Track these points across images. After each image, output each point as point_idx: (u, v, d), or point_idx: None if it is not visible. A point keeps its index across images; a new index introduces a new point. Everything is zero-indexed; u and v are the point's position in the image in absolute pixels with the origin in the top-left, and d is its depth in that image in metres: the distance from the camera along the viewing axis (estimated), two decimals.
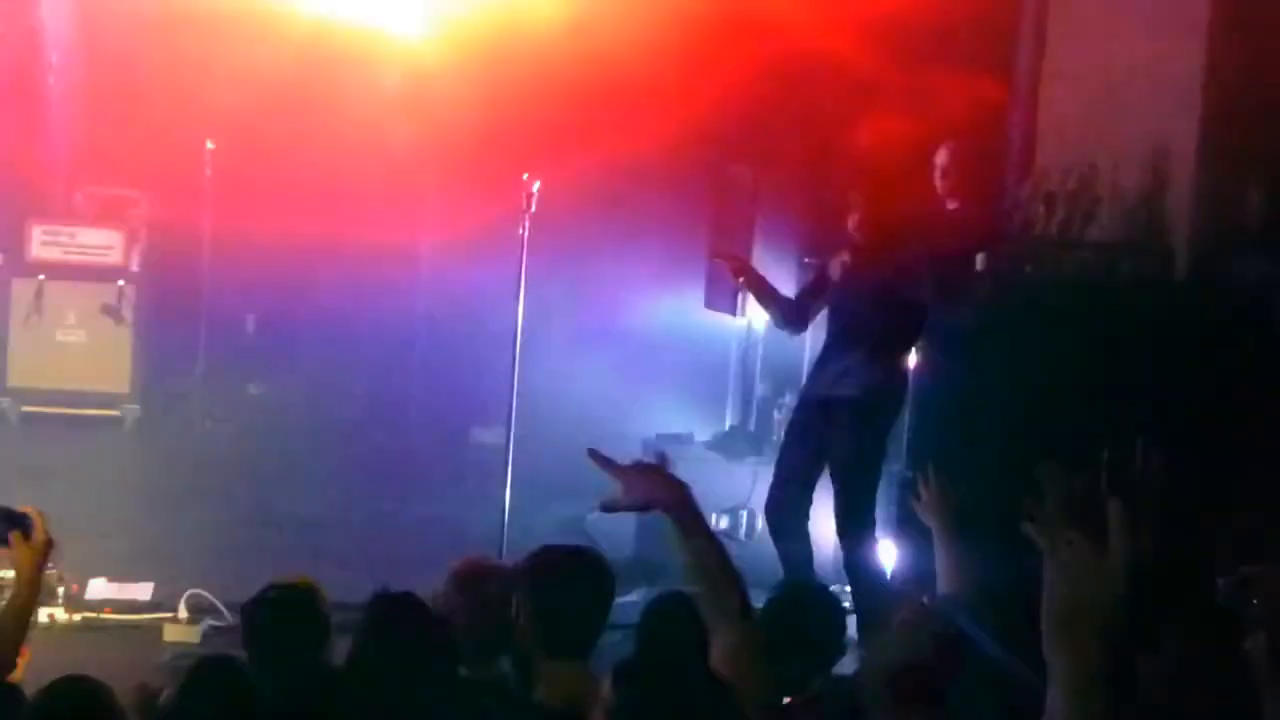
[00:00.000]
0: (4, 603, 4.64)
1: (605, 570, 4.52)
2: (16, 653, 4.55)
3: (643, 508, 3.81)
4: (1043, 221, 8.47)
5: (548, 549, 4.57)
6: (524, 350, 8.00)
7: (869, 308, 7.51)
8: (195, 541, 8.24)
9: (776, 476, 7.68)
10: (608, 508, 3.83)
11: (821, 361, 7.72)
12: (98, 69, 11.44)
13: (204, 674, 4.22)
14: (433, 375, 11.23)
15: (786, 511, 7.56)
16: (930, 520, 5.22)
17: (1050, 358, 7.40)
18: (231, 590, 6.71)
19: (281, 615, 4.62)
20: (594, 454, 3.74)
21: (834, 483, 7.56)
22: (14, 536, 4.47)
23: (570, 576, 4.41)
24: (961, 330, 7.71)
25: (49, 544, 4.52)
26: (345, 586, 5.24)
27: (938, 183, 8.34)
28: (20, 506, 4.54)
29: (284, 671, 4.44)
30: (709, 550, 3.72)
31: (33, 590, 4.55)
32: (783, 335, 8.40)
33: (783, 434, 8.23)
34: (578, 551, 4.65)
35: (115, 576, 7.52)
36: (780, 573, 7.26)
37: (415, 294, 11.41)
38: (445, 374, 11.04)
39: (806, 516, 7.58)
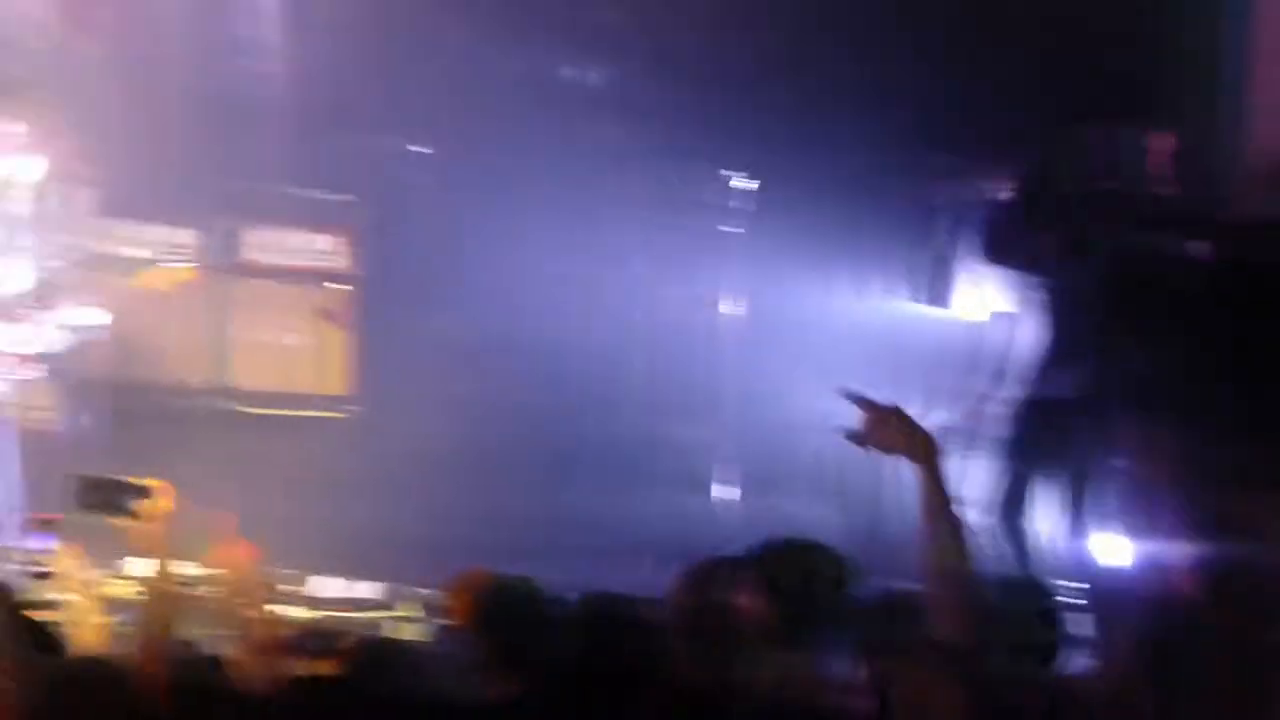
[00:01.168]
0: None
1: (841, 561, 4.45)
2: (169, 626, 4.61)
3: (886, 449, 3.75)
4: None
5: (779, 541, 4.51)
6: (734, 347, 7.98)
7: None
8: (419, 540, 8.32)
9: (1006, 473, 7.57)
10: (853, 439, 3.77)
11: (1054, 361, 7.57)
12: (313, 73, 11.68)
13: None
14: (644, 372, 11.24)
15: (1015, 508, 7.46)
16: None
17: None
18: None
19: (504, 614, 4.60)
20: (848, 392, 3.72)
21: (1069, 481, 7.43)
22: (140, 507, 4.55)
23: (806, 568, 4.35)
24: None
25: (170, 515, 4.60)
26: (563, 585, 5.23)
27: None
28: (139, 480, 4.62)
29: (508, 669, 4.42)
30: (947, 512, 3.64)
31: (167, 563, 4.61)
32: (1000, 329, 8.25)
33: (1010, 430, 8.05)
34: (810, 544, 4.58)
35: (344, 575, 7.62)
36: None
37: (627, 291, 11.42)
38: (657, 371, 11.04)
39: (1032, 514, 7.47)
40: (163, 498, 4.59)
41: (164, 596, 4.63)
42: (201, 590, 7.37)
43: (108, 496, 4.61)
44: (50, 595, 4.82)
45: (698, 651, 4.42)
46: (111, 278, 7.92)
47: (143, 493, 4.59)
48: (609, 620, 4.33)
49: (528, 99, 11.07)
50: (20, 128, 7.40)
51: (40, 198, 7.58)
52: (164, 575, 4.62)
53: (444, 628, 6.96)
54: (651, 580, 4.93)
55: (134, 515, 4.58)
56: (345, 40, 11.52)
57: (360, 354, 10.90)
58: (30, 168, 7.53)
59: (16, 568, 5.07)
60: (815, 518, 8.79)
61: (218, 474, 8.64)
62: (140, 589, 4.67)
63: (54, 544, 5.10)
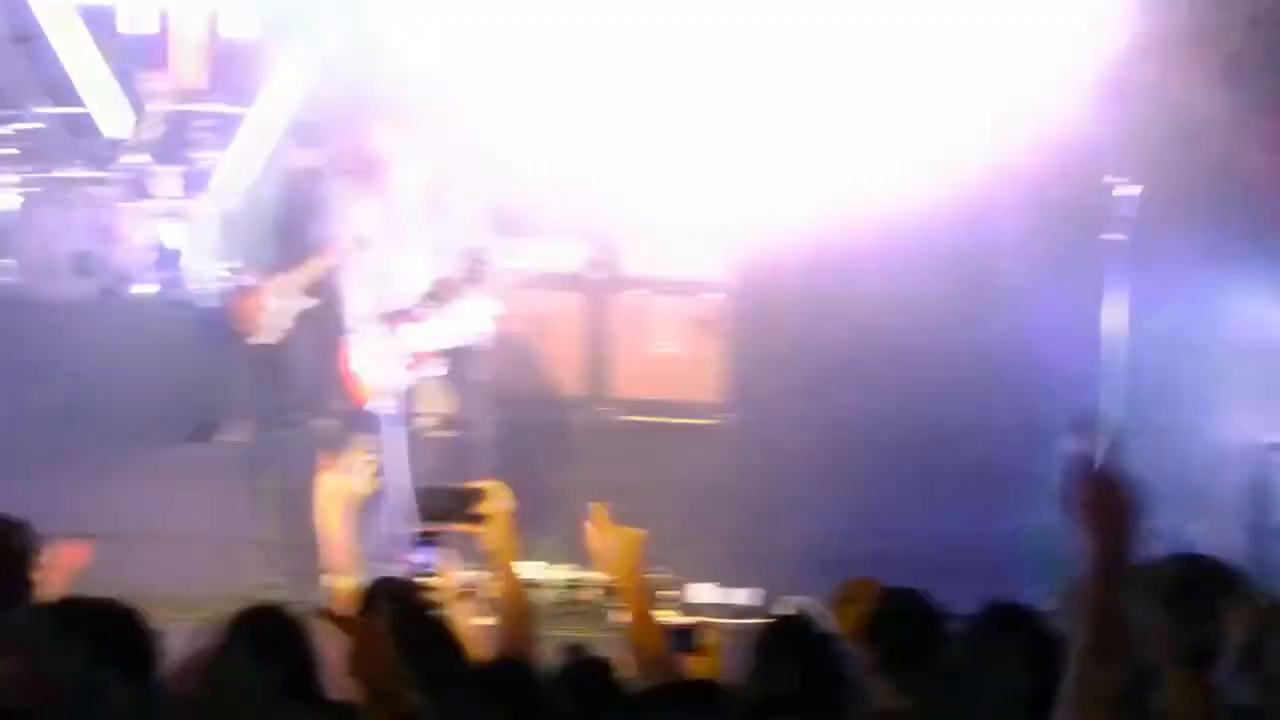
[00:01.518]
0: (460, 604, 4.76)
1: (1236, 577, 4.31)
2: (530, 631, 4.67)
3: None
4: None
5: (1178, 558, 4.39)
6: (1116, 356, 7.79)
7: None
8: (795, 548, 8.36)
9: None
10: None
11: None
12: None
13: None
14: (1020, 384, 11.04)
15: None
16: None
17: None
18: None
19: (896, 624, 4.57)
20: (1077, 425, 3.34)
21: None
22: (480, 510, 4.61)
23: (1199, 583, 4.23)
24: None
25: (511, 513, 4.65)
26: (947, 598, 5.17)
27: None
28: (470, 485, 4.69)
29: (896, 679, 4.40)
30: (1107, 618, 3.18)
31: (513, 563, 4.66)
32: None
33: None
34: (1201, 559, 4.45)
35: (724, 582, 7.70)
36: None
37: (1002, 301, 11.26)
38: (1033, 382, 10.83)
39: None
40: (501, 499, 4.67)
41: (517, 597, 4.70)
42: (587, 593, 7.61)
43: (448, 505, 4.73)
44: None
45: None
46: (499, 287, 8.14)
47: (480, 497, 4.68)
48: (1007, 631, 4.25)
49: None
50: (412, 136, 7.69)
51: (433, 203, 7.87)
52: (512, 576, 4.69)
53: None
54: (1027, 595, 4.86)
55: (476, 520, 4.67)
56: None
57: (735, 362, 11.00)
58: (421, 173, 7.83)
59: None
60: (1203, 531, 8.51)
61: (599, 481, 8.90)
62: (492, 592, 4.74)
63: (437, 558, 5.25)
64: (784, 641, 4.33)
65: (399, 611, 4.28)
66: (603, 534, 4.70)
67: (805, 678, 4.18)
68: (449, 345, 7.91)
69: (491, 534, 4.63)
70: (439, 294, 7.86)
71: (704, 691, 3.65)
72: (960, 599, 4.65)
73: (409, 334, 7.76)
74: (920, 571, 7.04)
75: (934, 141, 10.87)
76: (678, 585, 7.54)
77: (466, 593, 4.92)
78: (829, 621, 4.74)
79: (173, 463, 9.86)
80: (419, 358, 7.80)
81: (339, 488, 5.34)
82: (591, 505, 4.75)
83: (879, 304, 11.02)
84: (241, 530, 8.33)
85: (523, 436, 9.20)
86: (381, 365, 7.84)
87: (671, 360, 11.04)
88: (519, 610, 4.62)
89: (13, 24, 12.67)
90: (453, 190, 7.88)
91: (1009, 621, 4.38)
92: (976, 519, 9.20)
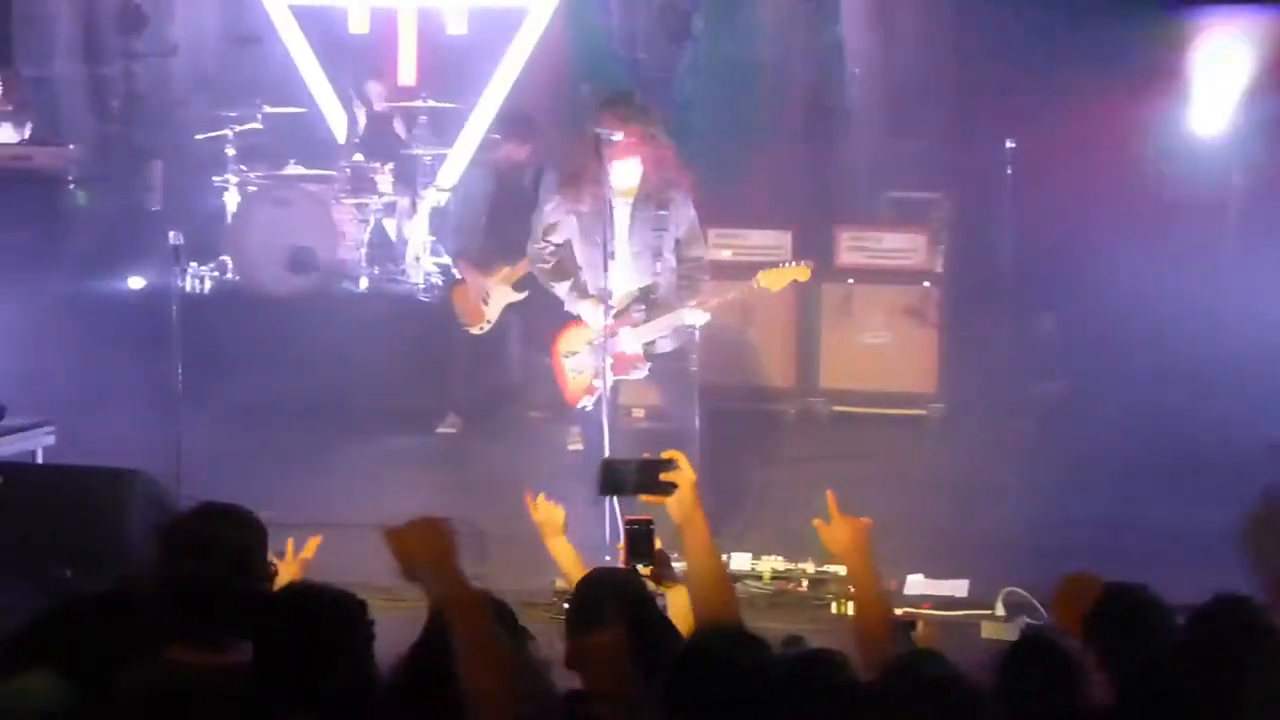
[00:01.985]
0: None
1: None
2: (733, 605, 4.65)
3: None
4: None
5: None
6: None
7: None
8: (1006, 538, 8.28)
9: None
10: None
11: None
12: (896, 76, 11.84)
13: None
14: (1237, 373, 10.81)
15: None
16: None
17: None
18: (1045, 589, 6.67)
19: (1120, 620, 4.48)
20: None
21: None
22: (669, 479, 4.59)
23: None
24: None
25: (694, 482, 4.62)
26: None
27: None
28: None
29: (1115, 674, 4.33)
30: None
31: (701, 532, 4.65)
32: None
33: None
34: None
35: (932, 573, 7.66)
36: None
37: (1211, 294, 11.05)
38: (1250, 371, 10.60)
39: None
40: (684, 469, 4.65)
41: (711, 568, 4.67)
42: (795, 584, 7.62)
43: (634, 476, 4.70)
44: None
45: None
46: (712, 281, 8.15)
47: (667, 466, 4.66)
48: (1236, 626, 4.16)
49: (1106, 93, 10.87)
50: (625, 134, 7.73)
51: (644, 202, 7.90)
52: (708, 550, 4.66)
53: (1035, 627, 6.94)
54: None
55: (664, 489, 4.64)
56: (928, 41, 11.65)
57: (944, 351, 10.93)
58: (632, 173, 7.86)
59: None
60: None
61: (811, 473, 8.91)
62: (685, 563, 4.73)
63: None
64: (1031, 662, 4.28)
65: (630, 614, 4.30)
66: (834, 523, 4.70)
67: (1050, 703, 4.14)
68: (657, 349, 7.94)
69: (676, 504, 4.61)
70: (652, 299, 7.89)
71: (961, 696, 3.60)
72: (1171, 591, 4.58)
73: (620, 336, 7.81)
74: (1129, 562, 6.96)
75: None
76: (896, 576, 7.49)
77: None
78: (1061, 631, 4.68)
79: (394, 452, 10.08)
80: (626, 359, 7.84)
81: (551, 516, 5.44)
82: (827, 493, 4.75)
83: (1089, 288, 10.88)
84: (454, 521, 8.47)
85: (730, 428, 9.23)
86: (590, 364, 7.91)
87: (881, 350, 10.99)
88: (715, 579, 4.62)
89: (237, 25, 13.06)
90: (667, 191, 7.89)
91: (1237, 615, 4.29)
92: (1177, 509, 9.01)
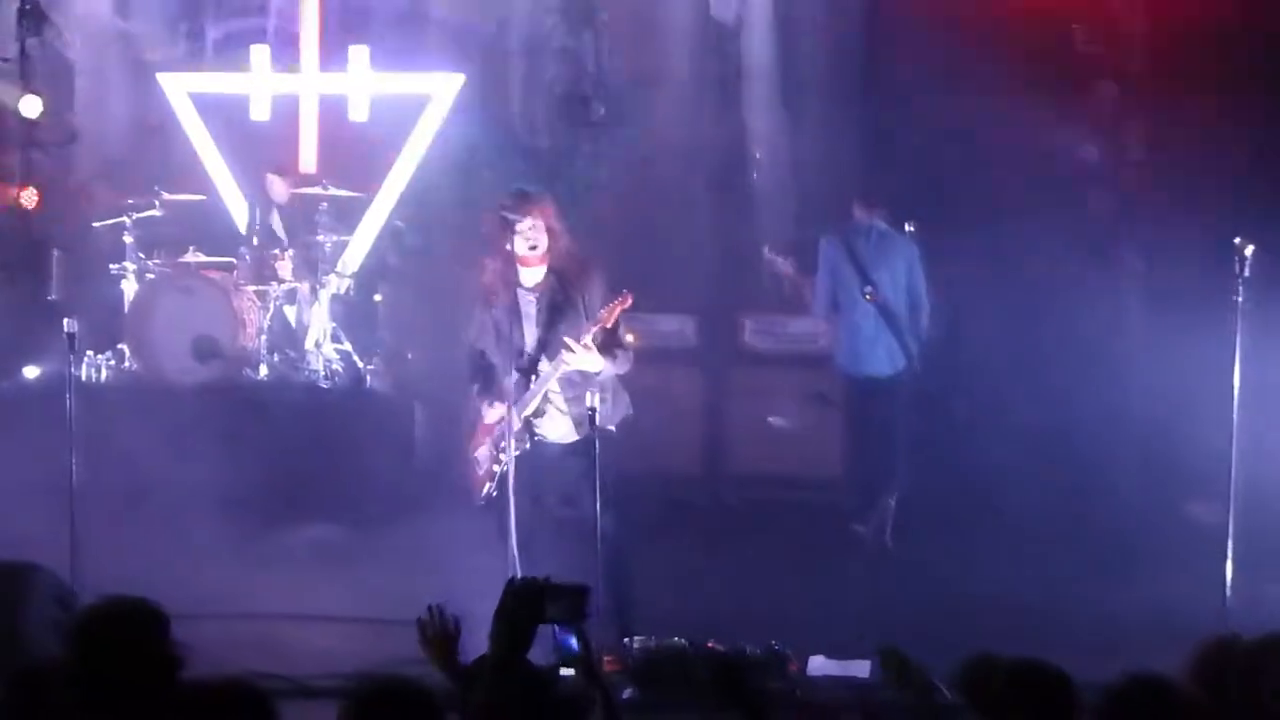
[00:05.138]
0: None
1: None
2: None
3: None
4: None
5: None
6: (1242, 419, 7.70)
7: None
8: (904, 619, 8.26)
9: None
10: None
11: None
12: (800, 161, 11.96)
13: None
14: (1143, 448, 10.94)
15: None
16: None
17: None
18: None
19: (1028, 698, 4.49)
20: None
21: None
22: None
23: None
24: None
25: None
26: (1069, 668, 5.11)
27: None
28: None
29: None
30: None
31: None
32: None
33: None
34: None
35: (834, 654, 7.64)
36: None
37: (1122, 367, 11.19)
38: (1158, 446, 10.72)
39: None
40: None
41: None
42: None
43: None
44: None
45: None
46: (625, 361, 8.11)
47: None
48: (1144, 703, 4.19)
49: (1026, 175, 11.04)
50: (530, 222, 7.76)
51: (552, 294, 7.90)
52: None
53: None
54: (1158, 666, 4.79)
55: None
56: (833, 127, 11.77)
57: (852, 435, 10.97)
58: (538, 271, 7.89)
59: None
60: None
61: (718, 557, 8.88)
62: None
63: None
64: None
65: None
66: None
67: None
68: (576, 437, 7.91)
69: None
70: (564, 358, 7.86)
71: None
72: (1085, 669, 4.59)
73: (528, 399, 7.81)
74: (1040, 641, 6.98)
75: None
76: (796, 659, 7.49)
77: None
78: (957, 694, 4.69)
79: (299, 544, 9.97)
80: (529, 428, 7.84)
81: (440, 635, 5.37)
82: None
83: (1004, 371, 10.95)
84: (367, 611, 8.37)
85: (634, 513, 9.20)
86: (488, 455, 7.90)
87: (787, 434, 11.02)
88: None
89: (138, 113, 12.97)
90: (575, 279, 7.90)
91: (1147, 694, 4.31)
92: (1092, 585, 9.08)
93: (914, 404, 10.58)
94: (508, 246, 7.80)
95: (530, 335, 7.86)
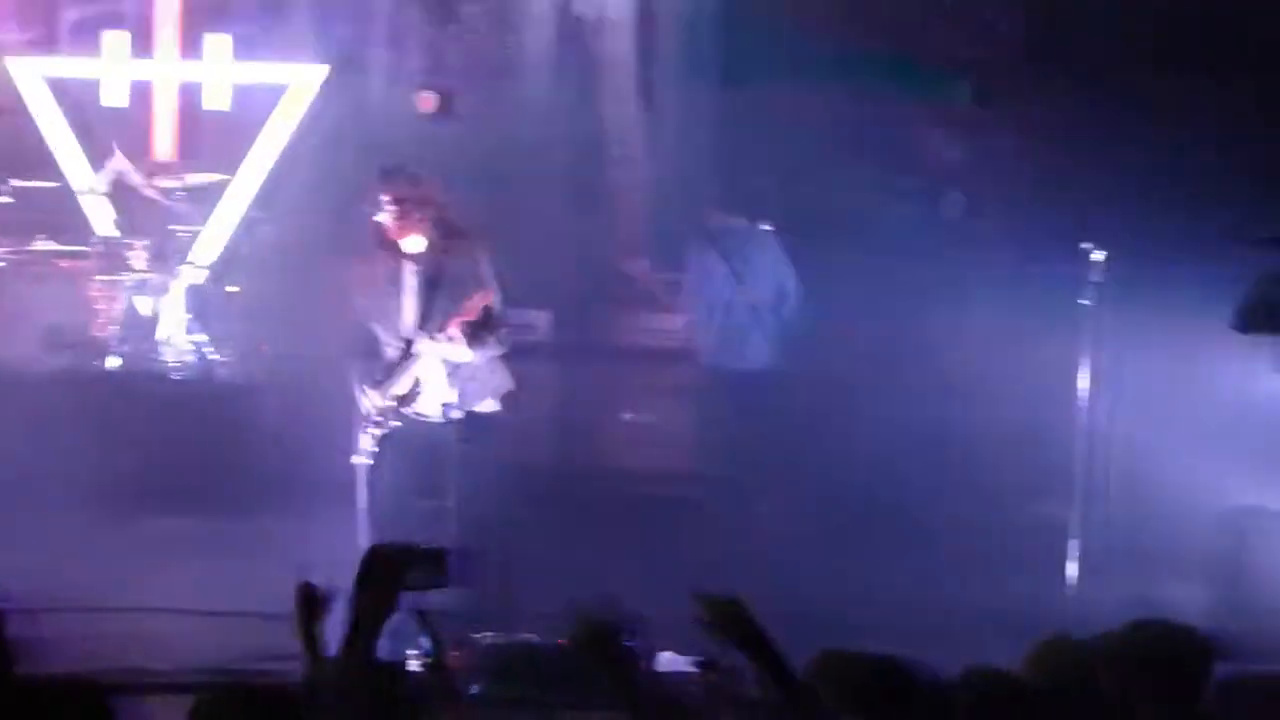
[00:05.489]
0: None
1: (1206, 647, 4.37)
2: None
3: None
4: None
5: (1140, 625, 4.45)
6: (1088, 421, 7.87)
7: None
8: (760, 613, 8.30)
9: None
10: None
11: None
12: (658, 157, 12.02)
13: None
14: (995, 447, 11.11)
15: None
16: None
17: None
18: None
19: (875, 693, 4.54)
20: None
21: None
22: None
23: (1169, 655, 4.28)
24: None
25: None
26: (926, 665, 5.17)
27: None
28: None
29: None
30: None
31: None
32: None
33: None
34: (1174, 627, 4.50)
35: (685, 651, 7.67)
36: None
37: (975, 368, 11.35)
38: (1007, 446, 10.90)
39: None
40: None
41: None
42: None
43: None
44: None
45: None
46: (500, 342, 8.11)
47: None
48: (989, 698, 4.26)
49: (876, 173, 11.17)
50: (397, 209, 7.78)
51: (431, 269, 7.91)
52: None
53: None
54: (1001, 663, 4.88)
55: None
56: (691, 123, 11.83)
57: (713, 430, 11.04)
58: (417, 243, 7.91)
59: None
60: (1175, 598, 8.57)
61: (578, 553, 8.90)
62: None
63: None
64: None
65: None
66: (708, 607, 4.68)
67: None
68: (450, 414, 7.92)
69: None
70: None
71: None
72: (938, 665, 4.66)
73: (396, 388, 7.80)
74: (889, 639, 7.07)
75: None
76: (648, 655, 7.51)
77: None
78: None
79: (154, 536, 9.86)
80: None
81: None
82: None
83: (850, 371, 11.08)
84: (222, 604, 8.30)
85: (494, 506, 9.19)
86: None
87: (646, 429, 11.06)
88: None
89: None
90: (454, 254, 7.94)
91: (986, 688, 4.40)
92: (941, 584, 9.23)
93: (779, 398, 10.70)
94: (384, 222, 7.82)
95: (410, 309, 7.87)
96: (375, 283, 7.95)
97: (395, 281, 7.84)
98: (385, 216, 7.80)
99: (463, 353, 7.79)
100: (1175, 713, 4.21)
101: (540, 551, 9.55)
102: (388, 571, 4.31)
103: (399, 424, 7.88)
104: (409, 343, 7.87)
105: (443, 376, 7.92)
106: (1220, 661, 6.59)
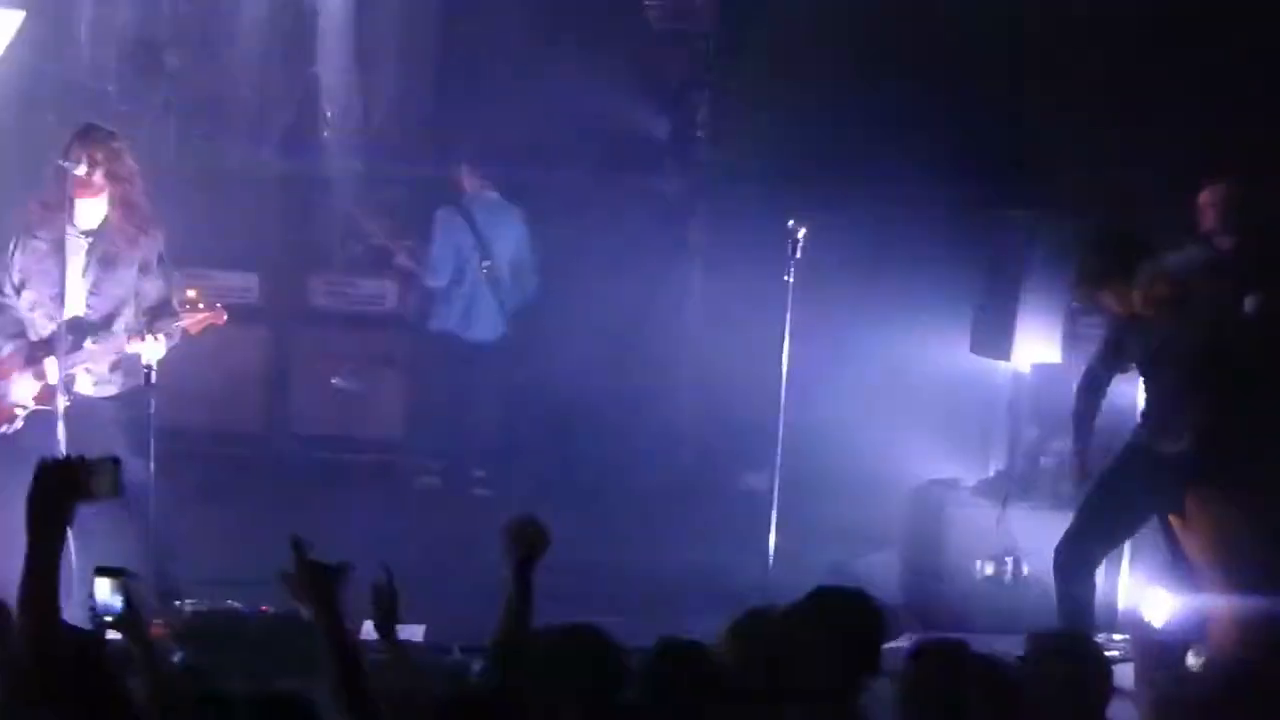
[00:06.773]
0: None
1: (878, 612, 4.50)
2: None
3: None
4: None
5: (823, 590, 4.56)
6: (790, 395, 8.02)
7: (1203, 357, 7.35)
8: (465, 586, 8.30)
9: (1078, 524, 7.55)
10: None
11: (1155, 412, 7.53)
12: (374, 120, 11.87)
13: None
14: (701, 420, 11.29)
15: (1079, 560, 7.45)
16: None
17: None
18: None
19: (575, 660, 4.56)
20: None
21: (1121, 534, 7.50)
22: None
23: (845, 617, 4.40)
24: None
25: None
26: (617, 631, 5.23)
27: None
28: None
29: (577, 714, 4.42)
30: None
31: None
32: (1053, 379, 8.29)
33: (1095, 482, 7.89)
34: (854, 593, 4.64)
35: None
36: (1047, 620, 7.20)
37: (683, 341, 11.50)
38: (714, 418, 11.08)
39: (1097, 566, 7.51)
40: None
41: None
42: None
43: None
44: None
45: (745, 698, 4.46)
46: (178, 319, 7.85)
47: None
48: (679, 667, 4.34)
49: (587, 143, 11.21)
50: (89, 169, 7.48)
51: (105, 241, 7.64)
52: None
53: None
54: (703, 629, 4.97)
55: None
56: (408, 84, 11.71)
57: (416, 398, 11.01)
58: (97, 210, 7.61)
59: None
60: (869, 567, 8.83)
61: (277, 519, 8.76)
62: None
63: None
64: None
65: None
66: (298, 570, 4.60)
67: None
68: (101, 392, 7.64)
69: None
70: (99, 334, 7.58)
71: None
72: (630, 634, 4.72)
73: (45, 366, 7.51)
74: (594, 605, 7.13)
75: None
76: (357, 623, 7.44)
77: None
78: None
79: None
80: (47, 393, 7.53)
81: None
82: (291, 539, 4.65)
83: (550, 342, 11.11)
84: None
85: (191, 474, 9.00)
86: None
87: (351, 395, 10.97)
88: None
89: None
90: (132, 230, 7.63)
91: (680, 658, 4.47)
92: (651, 551, 9.35)
93: (509, 369, 10.83)
94: (64, 180, 7.48)
95: (76, 283, 7.55)
96: (42, 236, 7.57)
97: (61, 250, 7.46)
98: (77, 169, 7.46)
99: (159, 349, 7.54)
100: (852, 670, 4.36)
101: (243, 518, 9.42)
102: (61, 481, 4.14)
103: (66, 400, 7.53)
104: (81, 325, 7.54)
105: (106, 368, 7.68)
106: (905, 627, 6.84)
